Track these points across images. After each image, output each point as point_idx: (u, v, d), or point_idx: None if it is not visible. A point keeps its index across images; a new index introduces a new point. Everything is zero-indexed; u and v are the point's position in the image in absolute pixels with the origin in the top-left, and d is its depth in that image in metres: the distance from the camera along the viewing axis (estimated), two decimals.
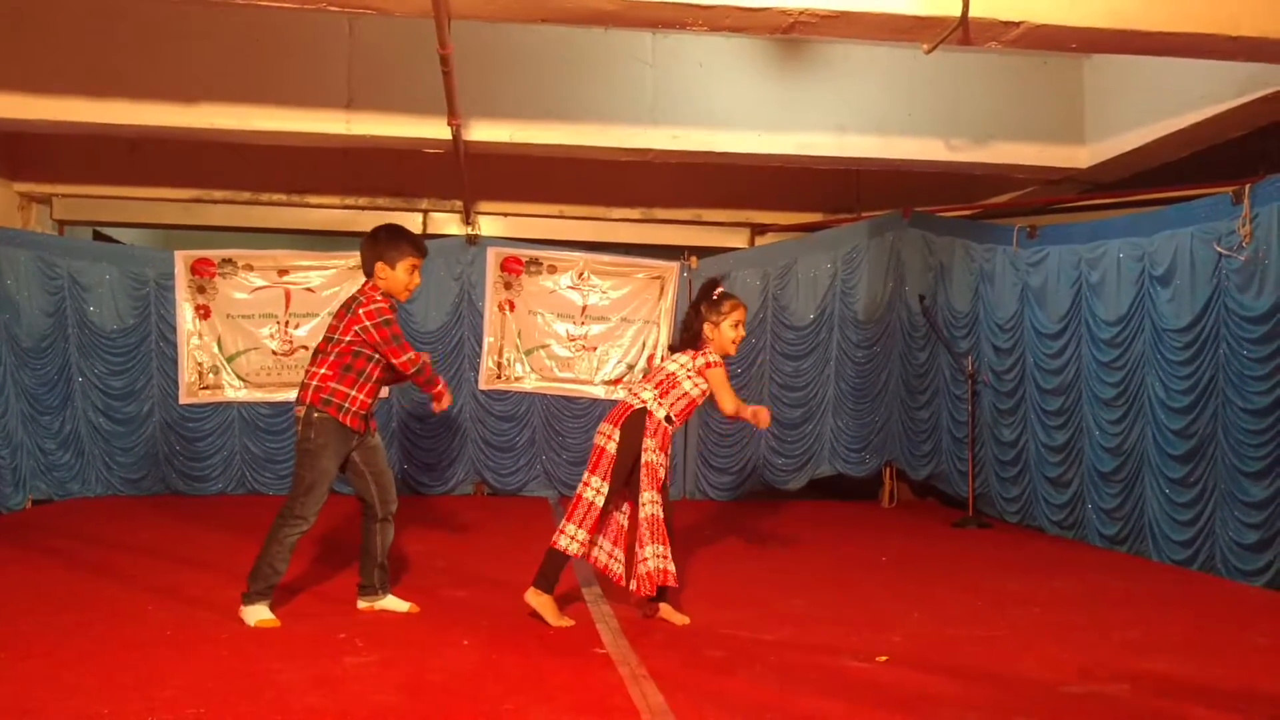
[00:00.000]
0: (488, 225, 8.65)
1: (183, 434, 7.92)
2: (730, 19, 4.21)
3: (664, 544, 4.06)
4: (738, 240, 9.05)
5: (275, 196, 8.44)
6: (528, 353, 8.25)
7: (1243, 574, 5.21)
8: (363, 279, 4.23)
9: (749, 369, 8.18)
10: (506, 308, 8.22)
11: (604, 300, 8.30)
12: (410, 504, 6.91)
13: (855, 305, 8.20)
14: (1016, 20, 4.19)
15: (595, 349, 8.29)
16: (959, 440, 7.69)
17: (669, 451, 4.20)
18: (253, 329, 7.99)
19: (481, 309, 8.17)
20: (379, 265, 4.13)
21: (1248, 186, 5.21)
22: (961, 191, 8.46)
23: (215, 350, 7.96)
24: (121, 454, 7.85)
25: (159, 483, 7.92)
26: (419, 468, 8.14)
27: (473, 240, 8.26)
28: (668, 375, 4.20)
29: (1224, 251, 5.34)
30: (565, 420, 8.27)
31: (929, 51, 4.43)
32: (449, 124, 5.94)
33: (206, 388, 7.94)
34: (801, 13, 4.14)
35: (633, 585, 4.09)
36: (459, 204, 8.52)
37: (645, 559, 4.03)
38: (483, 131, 6.50)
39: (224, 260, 7.98)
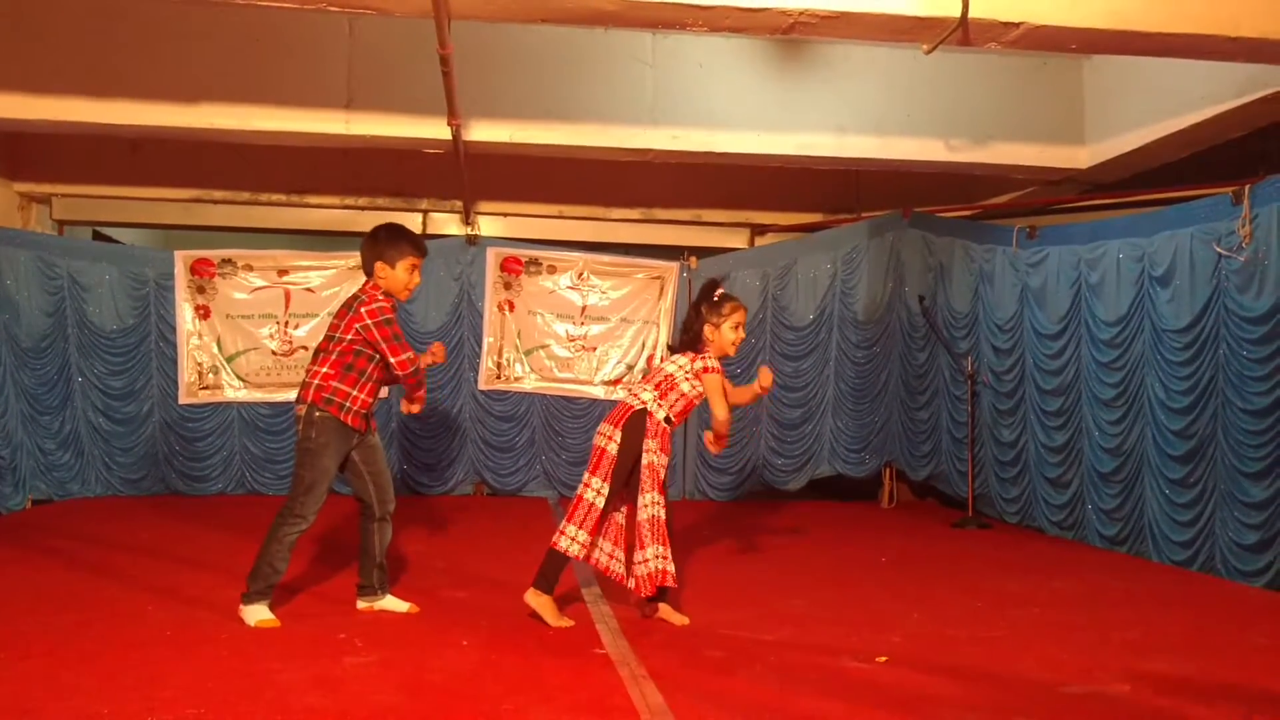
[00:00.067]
0: (487, 225, 8.65)
1: (182, 434, 7.91)
2: (730, 19, 4.21)
3: (664, 544, 4.06)
4: (737, 240, 9.05)
5: (275, 196, 8.44)
6: (527, 353, 8.25)
7: (1243, 574, 5.21)
8: (363, 279, 4.24)
9: (749, 369, 8.16)
10: (506, 308, 8.22)
11: (604, 300, 8.30)
12: (410, 504, 6.92)
13: (855, 306, 8.20)
14: (1016, 21, 4.19)
15: (595, 349, 8.29)
16: (959, 441, 7.68)
17: (669, 452, 4.21)
18: (252, 329, 7.99)
19: (481, 309, 8.17)
20: (379, 264, 4.13)
21: (1247, 187, 5.22)
22: (961, 192, 8.47)
23: (215, 350, 7.96)
24: (121, 454, 7.85)
25: (159, 483, 7.91)
26: (419, 468, 8.14)
27: (472, 240, 8.26)
28: (666, 376, 4.20)
29: (1224, 252, 5.34)
30: (565, 420, 8.27)
31: (929, 52, 4.44)
32: (449, 124, 5.94)
33: (206, 388, 7.94)
34: (801, 13, 4.14)
35: (631, 584, 4.10)
36: (459, 204, 8.52)
37: (646, 559, 4.03)
38: (483, 131, 6.50)
39: (224, 260, 7.98)
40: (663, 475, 4.14)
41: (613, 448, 4.10)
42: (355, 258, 6.94)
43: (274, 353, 8.00)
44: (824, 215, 8.95)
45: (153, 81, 6.21)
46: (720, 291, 4.26)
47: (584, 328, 8.29)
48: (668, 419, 4.16)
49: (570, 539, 4.05)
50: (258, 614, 3.95)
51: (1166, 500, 5.75)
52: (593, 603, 4.48)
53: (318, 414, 4.01)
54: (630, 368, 8.31)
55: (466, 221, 8.54)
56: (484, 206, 8.62)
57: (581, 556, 4.09)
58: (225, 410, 7.98)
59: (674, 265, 8.33)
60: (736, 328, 4.22)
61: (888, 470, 8.40)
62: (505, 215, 8.75)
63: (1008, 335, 7.21)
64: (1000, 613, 4.50)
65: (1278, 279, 5.05)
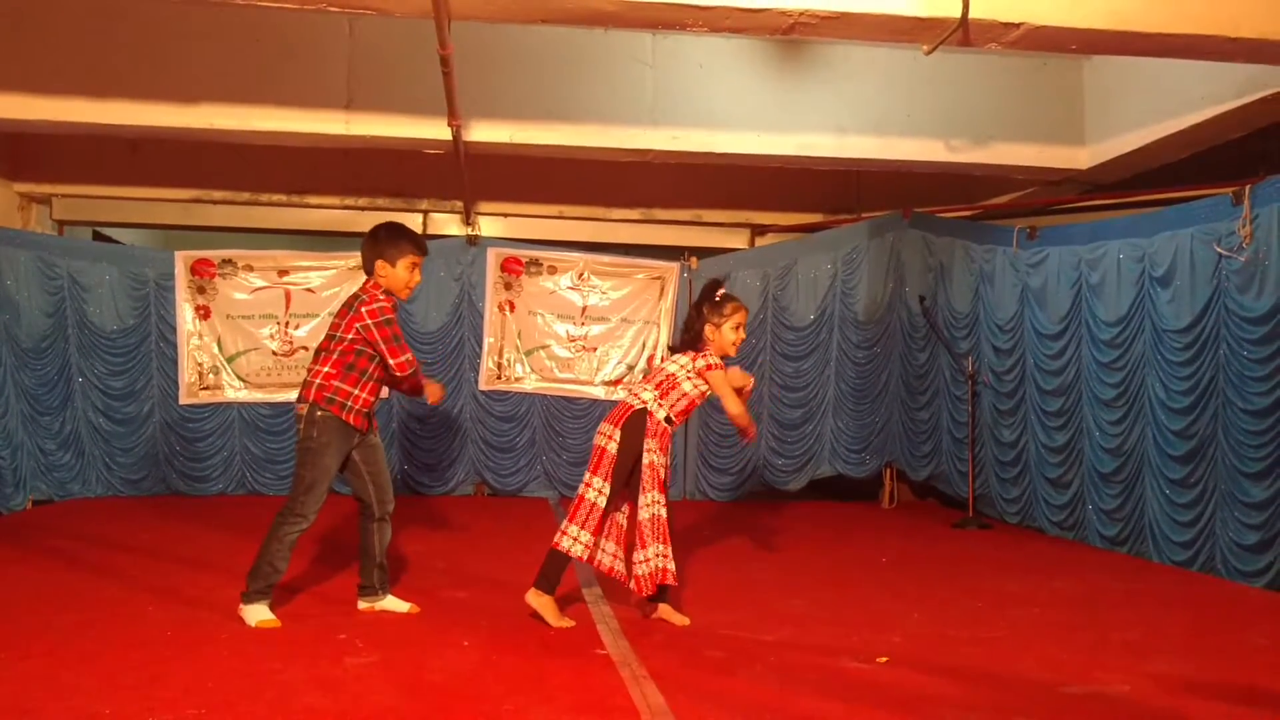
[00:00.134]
0: (488, 226, 8.65)
1: (183, 434, 7.92)
2: (730, 20, 4.21)
3: (665, 543, 4.07)
4: (738, 241, 9.05)
5: (275, 197, 8.44)
6: (528, 353, 8.25)
7: (1243, 575, 5.21)
8: (363, 278, 4.24)
9: (749, 369, 8.11)
10: (506, 308, 8.22)
11: (604, 301, 8.30)
12: (410, 504, 6.92)
13: (855, 306, 8.20)
14: (1017, 21, 4.19)
15: (595, 349, 8.30)
16: (959, 441, 7.69)
17: (669, 452, 4.21)
18: (253, 329, 8.00)
19: (481, 309, 8.17)
20: (379, 263, 4.14)
21: (1248, 187, 5.22)
22: (961, 192, 8.47)
23: (215, 351, 7.96)
24: (122, 454, 7.85)
25: (159, 483, 7.91)
26: (419, 468, 8.14)
27: (473, 241, 8.26)
28: (668, 376, 4.20)
29: (1224, 252, 5.34)
30: (565, 421, 8.27)
31: (929, 53, 4.44)
32: (449, 124, 5.94)
33: (206, 388, 7.94)
34: (801, 14, 4.14)
35: (632, 584, 4.10)
36: (459, 204, 8.52)
37: (647, 559, 4.03)
38: (483, 132, 6.50)
39: (224, 261, 7.98)
40: (664, 475, 4.14)
41: (613, 447, 4.10)
42: (355, 258, 6.96)
43: (274, 353, 8.00)
44: (824, 215, 8.95)
45: (152, 81, 6.21)
46: (722, 292, 4.27)
47: (584, 328, 8.29)
48: (668, 419, 4.16)
49: (573, 539, 4.05)
50: (258, 614, 3.95)
51: (1167, 500, 5.75)
52: (594, 603, 4.48)
53: (319, 413, 4.02)
54: (631, 368, 8.31)
55: (467, 222, 8.54)
56: (484, 207, 8.62)
57: (585, 558, 4.09)
58: (226, 410, 7.99)
59: (674, 265, 8.33)
60: (737, 328, 4.23)
61: (888, 470, 8.40)
62: (505, 215, 8.75)
63: (1008, 335, 7.21)
64: (1000, 613, 4.50)
65: (1278, 279, 5.05)
